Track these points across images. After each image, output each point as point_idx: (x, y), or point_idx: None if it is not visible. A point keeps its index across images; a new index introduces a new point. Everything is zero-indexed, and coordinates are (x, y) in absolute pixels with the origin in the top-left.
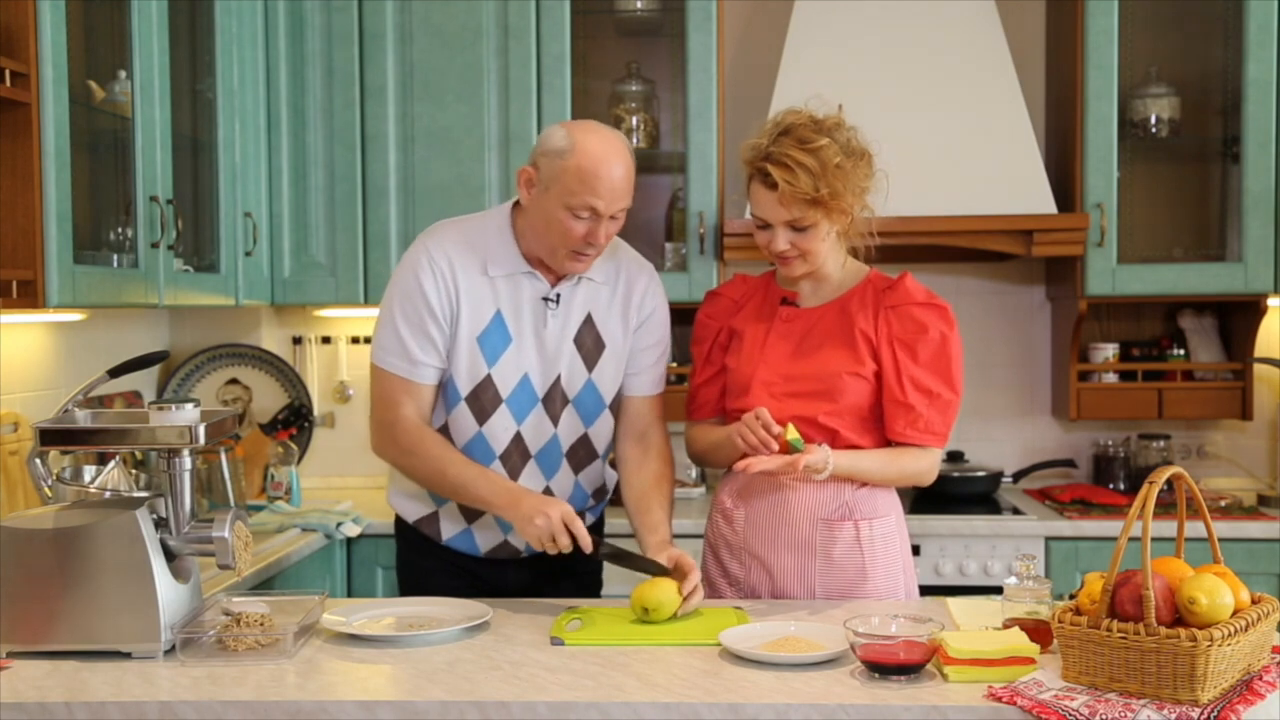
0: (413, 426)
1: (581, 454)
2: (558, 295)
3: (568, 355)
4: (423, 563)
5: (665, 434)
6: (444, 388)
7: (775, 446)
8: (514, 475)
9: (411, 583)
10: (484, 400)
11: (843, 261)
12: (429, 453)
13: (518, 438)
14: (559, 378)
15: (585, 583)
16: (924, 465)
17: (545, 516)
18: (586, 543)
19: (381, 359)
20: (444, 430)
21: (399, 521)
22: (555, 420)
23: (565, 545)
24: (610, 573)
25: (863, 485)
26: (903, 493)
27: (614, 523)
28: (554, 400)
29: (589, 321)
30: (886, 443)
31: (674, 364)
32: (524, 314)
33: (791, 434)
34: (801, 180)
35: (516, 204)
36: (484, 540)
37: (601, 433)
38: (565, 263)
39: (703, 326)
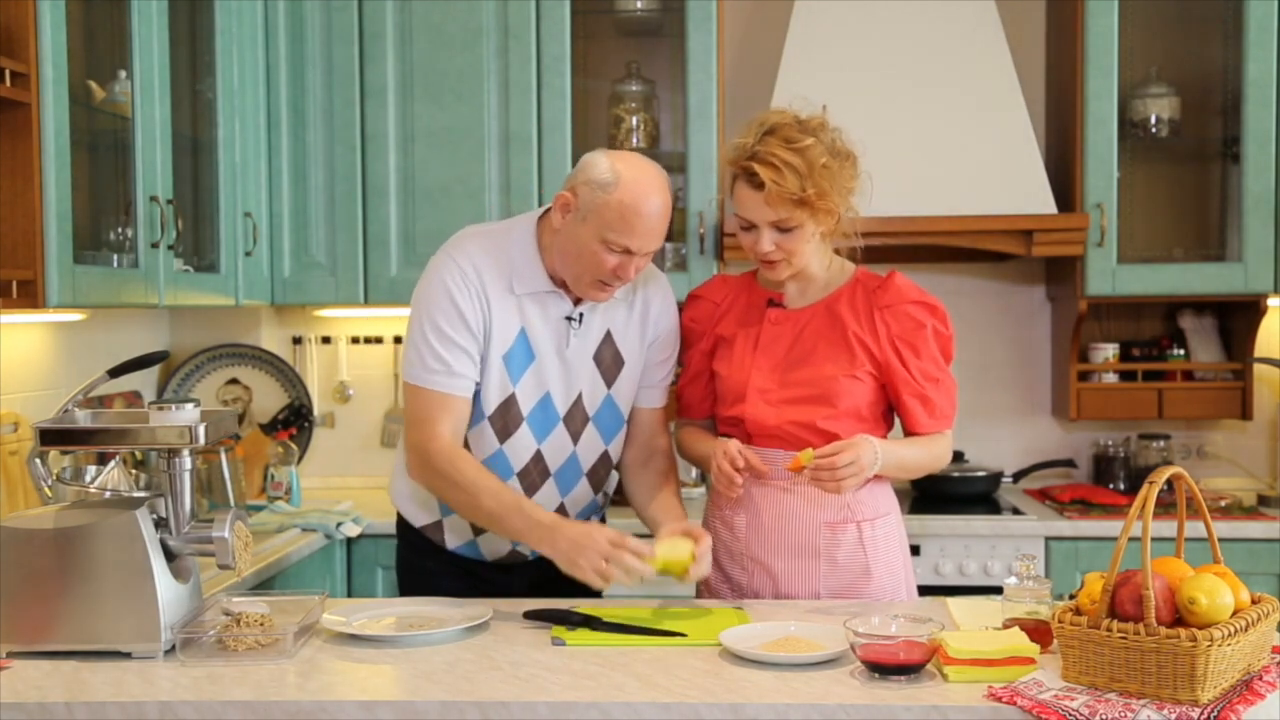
0: (447, 449)
1: (601, 472)
2: (580, 315)
3: (588, 373)
4: (425, 564)
5: (670, 440)
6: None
7: (740, 483)
8: (531, 491)
9: (412, 584)
10: (507, 418)
11: (828, 262)
12: (463, 479)
13: (538, 456)
14: (580, 395)
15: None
16: (946, 447)
17: (588, 554)
18: (641, 552)
19: (416, 375)
20: (465, 446)
21: (402, 523)
22: (576, 438)
23: (627, 577)
24: None
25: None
26: (902, 493)
27: (615, 522)
28: (575, 418)
29: (608, 338)
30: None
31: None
32: (547, 333)
33: (808, 458)
34: (788, 180)
35: (541, 218)
36: (490, 551)
37: (617, 450)
38: (589, 290)
39: (688, 331)
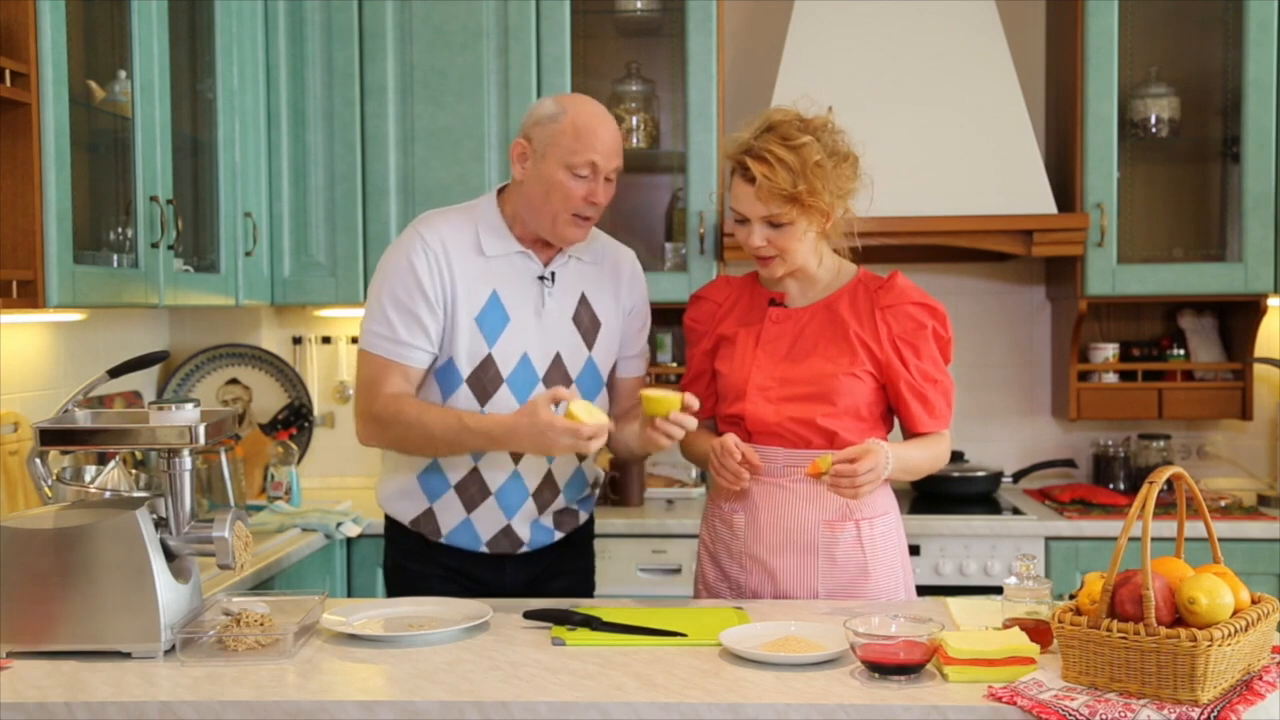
0: (389, 399)
1: None
2: (552, 274)
3: (567, 334)
4: (415, 567)
5: None
6: (444, 371)
7: (747, 477)
8: (517, 458)
9: (403, 590)
10: (485, 381)
11: (829, 262)
12: (409, 418)
13: None
14: (559, 356)
15: (580, 580)
16: (946, 447)
17: (549, 433)
18: (592, 407)
19: (368, 342)
20: None
21: (391, 525)
22: (557, 401)
23: (598, 436)
24: (613, 575)
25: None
26: (902, 493)
27: (606, 522)
28: (554, 380)
29: (584, 300)
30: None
31: (674, 364)
32: (521, 293)
33: (827, 463)
34: (779, 176)
35: (500, 192)
36: (485, 529)
37: None
38: (566, 229)
39: (690, 331)
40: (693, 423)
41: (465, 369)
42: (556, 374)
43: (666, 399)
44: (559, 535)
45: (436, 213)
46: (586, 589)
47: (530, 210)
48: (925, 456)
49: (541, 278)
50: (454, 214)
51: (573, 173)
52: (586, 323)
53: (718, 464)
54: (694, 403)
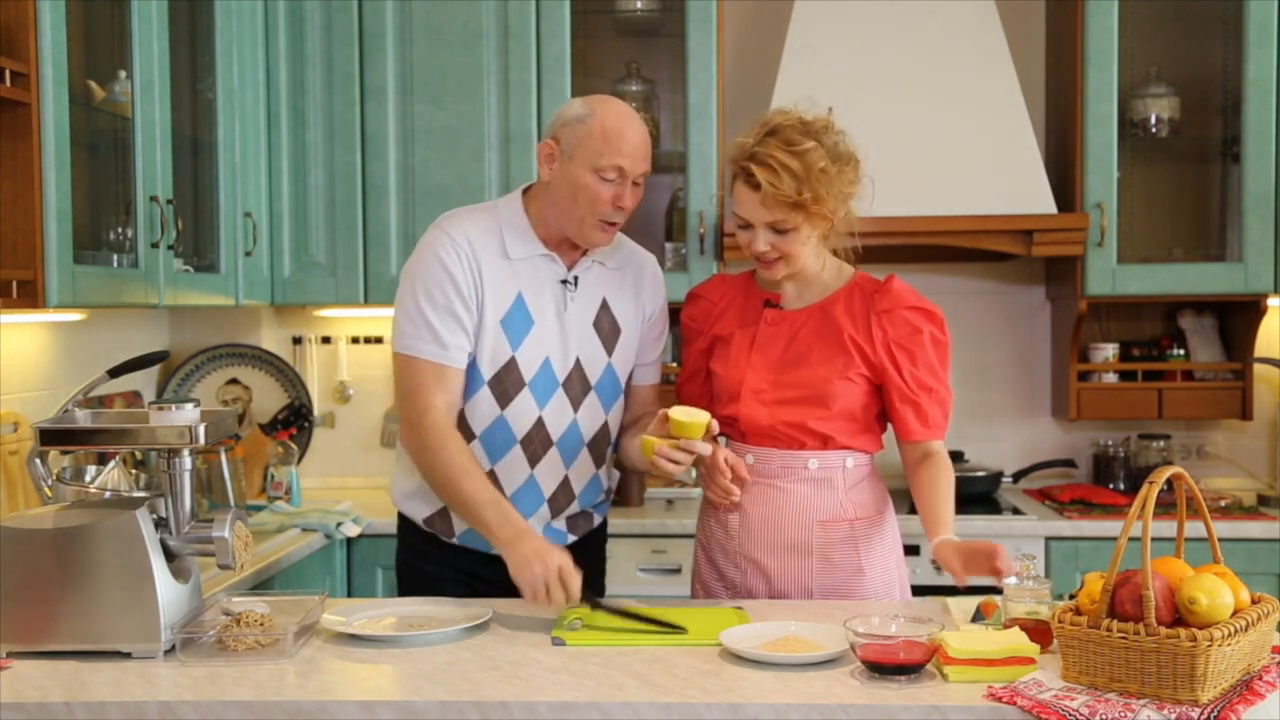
0: (442, 425)
1: (603, 445)
2: (575, 278)
3: (588, 339)
4: (427, 568)
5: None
6: (466, 373)
7: (738, 493)
8: (534, 462)
9: (414, 589)
10: (506, 384)
11: (823, 264)
12: (451, 459)
13: (539, 423)
14: (579, 361)
15: (591, 583)
16: (950, 469)
17: (542, 564)
18: (576, 596)
19: (408, 346)
20: (462, 416)
21: (404, 525)
22: (576, 405)
23: (558, 600)
24: (612, 575)
25: (856, 484)
26: (903, 493)
27: (616, 523)
28: (574, 385)
29: (605, 306)
30: (872, 443)
31: (674, 364)
32: (544, 296)
33: (992, 601)
34: (784, 183)
35: (525, 192)
36: None
37: (616, 422)
38: (592, 233)
39: (686, 329)
40: (708, 449)
41: (487, 371)
42: (577, 379)
43: (694, 423)
44: (572, 538)
45: (459, 212)
46: (597, 590)
47: (557, 212)
48: (952, 495)
49: (564, 281)
50: (477, 214)
51: (600, 176)
52: (607, 328)
53: (708, 479)
54: (715, 427)
